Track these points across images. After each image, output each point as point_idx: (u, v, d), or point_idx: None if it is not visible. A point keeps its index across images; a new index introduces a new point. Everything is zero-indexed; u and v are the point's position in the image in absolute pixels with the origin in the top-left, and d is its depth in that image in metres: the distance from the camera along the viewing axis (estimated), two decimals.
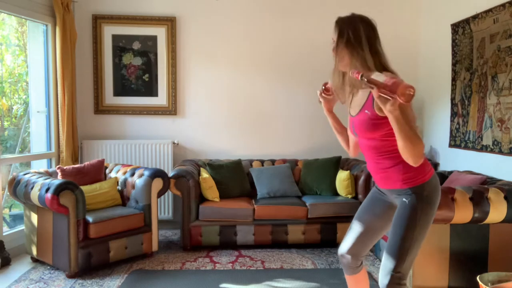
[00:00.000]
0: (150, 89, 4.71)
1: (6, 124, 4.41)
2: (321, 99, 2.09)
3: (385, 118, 1.74)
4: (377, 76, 1.57)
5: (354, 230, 2.05)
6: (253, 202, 4.06)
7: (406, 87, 1.48)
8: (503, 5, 3.34)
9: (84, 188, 3.45)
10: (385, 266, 1.82)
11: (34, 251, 3.50)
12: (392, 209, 1.95)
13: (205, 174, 4.09)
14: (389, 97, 1.53)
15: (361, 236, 2.02)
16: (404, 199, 1.82)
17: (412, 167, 1.81)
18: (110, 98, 4.67)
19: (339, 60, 1.87)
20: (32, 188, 3.27)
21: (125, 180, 3.81)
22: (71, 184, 3.21)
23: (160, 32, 4.66)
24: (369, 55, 1.80)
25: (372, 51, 1.81)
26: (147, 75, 4.70)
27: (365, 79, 1.57)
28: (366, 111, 1.82)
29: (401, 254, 1.78)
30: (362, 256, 2.08)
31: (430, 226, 1.84)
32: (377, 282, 3.18)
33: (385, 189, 1.95)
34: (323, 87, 2.07)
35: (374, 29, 1.85)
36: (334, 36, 1.87)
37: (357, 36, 1.81)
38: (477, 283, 2.60)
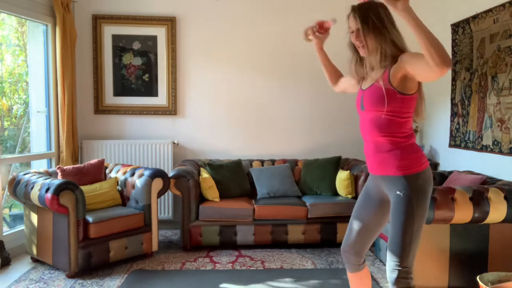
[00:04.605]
0: (150, 89, 4.71)
1: (6, 124, 4.41)
2: (312, 37, 2.10)
3: (399, 93, 1.79)
4: None
5: (354, 227, 2.07)
6: (253, 202, 4.06)
7: None
8: (503, 5, 3.34)
9: (84, 188, 3.45)
10: (390, 262, 1.85)
11: (34, 251, 3.50)
12: (386, 202, 1.97)
13: (205, 174, 4.09)
14: None
15: (361, 233, 2.04)
16: (398, 192, 1.83)
17: (410, 155, 1.84)
18: (110, 98, 4.67)
19: (364, 47, 1.87)
20: (32, 188, 3.27)
21: (125, 180, 3.81)
22: (71, 184, 3.21)
23: (160, 32, 4.66)
24: (396, 35, 1.85)
25: (396, 29, 1.86)
26: (147, 75, 4.69)
27: None
28: (380, 82, 1.84)
29: (404, 248, 1.81)
30: (364, 253, 2.10)
31: (426, 215, 1.87)
32: (377, 282, 3.18)
33: (378, 175, 1.95)
34: (317, 26, 2.05)
35: (389, 10, 1.86)
36: (355, 24, 1.87)
37: (381, 20, 1.84)
38: (477, 283, 2.60)
